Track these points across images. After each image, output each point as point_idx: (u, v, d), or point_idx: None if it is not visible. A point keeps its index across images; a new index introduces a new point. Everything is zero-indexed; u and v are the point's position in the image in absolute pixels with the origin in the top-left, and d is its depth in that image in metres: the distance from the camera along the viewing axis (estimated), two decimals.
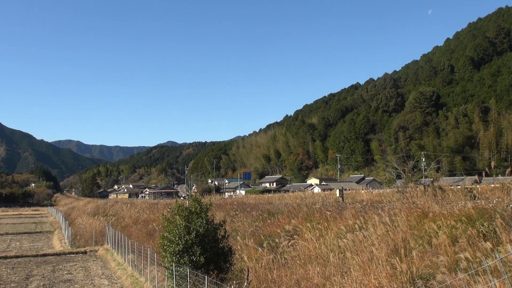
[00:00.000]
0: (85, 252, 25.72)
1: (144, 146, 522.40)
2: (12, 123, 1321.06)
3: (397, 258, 9.14)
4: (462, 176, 65.57)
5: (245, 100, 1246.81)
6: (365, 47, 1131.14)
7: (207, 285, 9.26)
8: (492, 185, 15.76)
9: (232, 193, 77.10)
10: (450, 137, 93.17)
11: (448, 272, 7.85)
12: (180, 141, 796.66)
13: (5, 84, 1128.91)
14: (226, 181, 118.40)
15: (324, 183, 77.65)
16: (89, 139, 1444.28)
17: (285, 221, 16.78)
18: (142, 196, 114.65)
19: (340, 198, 23.88)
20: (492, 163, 16.18)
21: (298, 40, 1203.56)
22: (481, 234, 9.05)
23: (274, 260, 13.07)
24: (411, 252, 9.45)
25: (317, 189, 60.10)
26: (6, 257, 23.73)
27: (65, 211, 67.28)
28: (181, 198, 75.26)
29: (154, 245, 17.88)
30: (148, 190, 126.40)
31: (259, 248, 14.67)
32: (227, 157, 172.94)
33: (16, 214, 72.98)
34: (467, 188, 15.36)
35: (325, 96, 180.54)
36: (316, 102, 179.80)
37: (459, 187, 16.24)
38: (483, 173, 14.92)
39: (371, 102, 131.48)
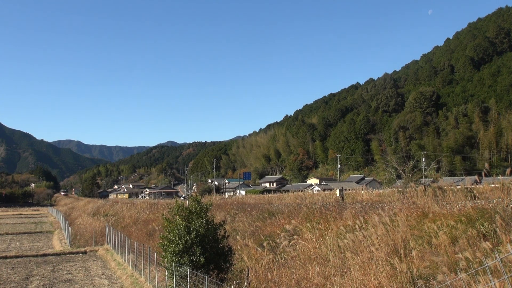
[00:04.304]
0: (85, 252, 25.72)
1: (144, 146, 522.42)
2: (12, 123, 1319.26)
3: (396, 258, 9.15)
4: (462, 176, 65.62)
5: (245, 100, 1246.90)
6: (365, 47, 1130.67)
7: (207, 285, 9.26)
8: (492, 185, 15.78)
9: (232, 193, 77.08)
10: (450, 137, 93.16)
11: (448, 272, 7.86)
12: (180, 141, 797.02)
13: (5, 84, 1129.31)
14: (226, 181, 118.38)
15: (324, 183, 77.62)
16: (89, 139, 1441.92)
17: (285, 221, 16.78)
18: (142, 196, 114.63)
19: (340, 198, 23.88)
20: (486, 165, 16.34)
21: (298, 40, 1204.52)
22: (481, 234, 9.05)
23: (274, 260, 13.08)
24: (411, 252, 9.45)
25: (317, 189, 60.10)
26: (6, 257, 23.73)
27: (65, 211, 67.28)
28: (181, 198, 75.26)
29: (154, 245, 17.89)
30: (148, 190, 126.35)
31: (259, 248, 14.68)
32: (227, 157, 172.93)
33: (16, 214, 72.94)
34: (467, 188, 15.38)
35: (325, 96, 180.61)
36: (316, 102, 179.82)
37: (459, 187, 16.24)
38: (483, 173, 14.97)
39: (371, 102, 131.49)
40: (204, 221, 11.46)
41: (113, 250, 24.10)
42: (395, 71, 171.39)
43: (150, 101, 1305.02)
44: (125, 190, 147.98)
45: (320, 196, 30.55)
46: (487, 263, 5.59)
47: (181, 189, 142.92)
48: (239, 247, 15.76)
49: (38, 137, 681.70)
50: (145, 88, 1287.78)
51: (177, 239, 11.16)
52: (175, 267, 11.16)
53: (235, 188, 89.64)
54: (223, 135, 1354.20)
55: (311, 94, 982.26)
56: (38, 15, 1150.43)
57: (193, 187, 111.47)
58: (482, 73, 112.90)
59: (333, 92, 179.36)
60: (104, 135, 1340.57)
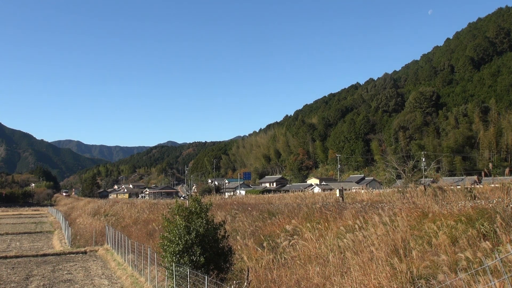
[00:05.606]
0: (85, 252, 25.72)
1: (144, 146, 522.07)
2: (12, 123, 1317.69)
3: (396, 258, 9.15)
4: (462, 176, 65.65)
5: (245, 100, 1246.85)
6: (365, 47, 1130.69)
7: (207, 285, 9.27)
8: (492, 185, 15.79)
9: (232, 193, 77.07)
10: (450, 137, 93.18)
11: (448, 272, 7.86)
12: (180, 141, 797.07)
13: (5, 84, 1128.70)
14: (226, 181, 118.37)
15: (324, 183, 77.62)
16: (89, 139, 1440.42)
17: (285, 221, 16.78)
18: (142, 196, 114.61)
19: (340, 198, 23.89)
20: (490, 165, 16.36)
21: (298, 40, 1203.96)
22: (481, 234, 9.05)
23: (274, 260, 13.07)
24: (411, 252, 9.45)
25: (317, 189, 60.10)
26: (6, 257, 23.72)
27: (65, 211, 67.27)
28: (181, 198, 75.27)
29: (154, 245, 17.89)
30: (148, 190, 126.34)
31: (259, 248, 14.68)
32: (227, 157, 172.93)
33: (16, 214, 72.93)
34: (467, 188, 15.38)
35: (325, 96, 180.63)
36: (316, 102, 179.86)
37: (459, 187, 16.25)
38: (482, 173, 14.97)
39: (371, 102, 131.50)
40: (204, 221, 11.46)
41: (113, 250, 24.10)
42: (395, 71, 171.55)
43: (150, 101, 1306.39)
44: (125, 190, 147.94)
45: (320, 196, 30.56)
46: (487, 263, 5.60)
47: (181, 189, 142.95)
48: (239, 247, 15.76)
49: (38, 137, 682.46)
50: (145, 88, 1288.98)
51: (177, 239, 11.16)
52: (175, 267, 11.16)
53: (235, 188, 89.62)
54: (223, 135, 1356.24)
55: (311, 94, 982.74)
56: (38, 15, 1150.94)
57: (193, 187, 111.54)
58: (482, 73, 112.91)
59: (333, 92, 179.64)
60: (104, 135, 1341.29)
